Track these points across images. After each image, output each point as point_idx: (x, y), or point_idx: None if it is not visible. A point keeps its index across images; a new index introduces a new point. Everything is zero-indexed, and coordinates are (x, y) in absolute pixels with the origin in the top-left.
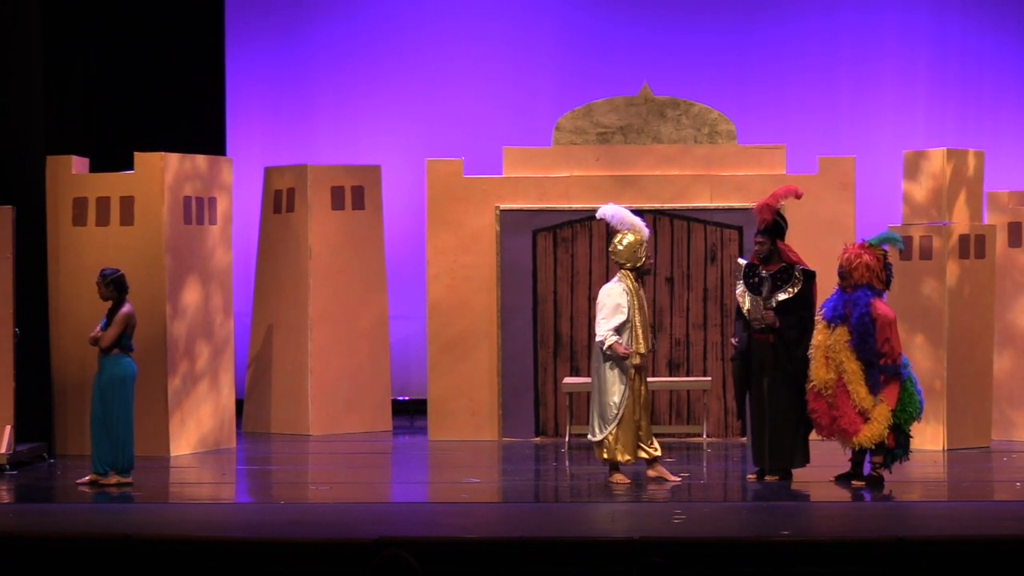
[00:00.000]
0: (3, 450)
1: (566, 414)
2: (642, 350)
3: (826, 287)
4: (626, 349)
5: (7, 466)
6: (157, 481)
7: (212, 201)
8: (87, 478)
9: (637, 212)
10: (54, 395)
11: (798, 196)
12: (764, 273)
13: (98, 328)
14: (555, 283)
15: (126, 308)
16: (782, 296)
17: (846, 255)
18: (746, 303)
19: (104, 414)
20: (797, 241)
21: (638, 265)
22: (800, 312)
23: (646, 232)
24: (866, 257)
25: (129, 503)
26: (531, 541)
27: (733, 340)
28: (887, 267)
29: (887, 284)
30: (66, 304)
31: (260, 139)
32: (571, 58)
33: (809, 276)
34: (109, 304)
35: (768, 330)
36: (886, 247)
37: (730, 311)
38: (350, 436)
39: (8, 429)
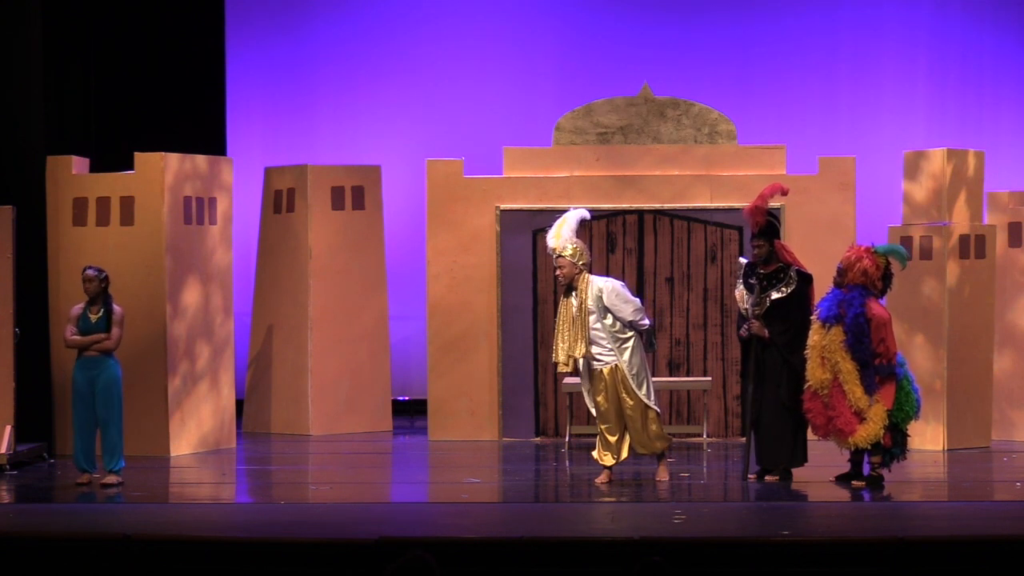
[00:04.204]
0: (3, 450)
1: (566, 414)
2: (555, 358)
3: (825, 289)
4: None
5: (7, 466)
6: (157, 481)
7: (212, 201)
8: (84, 478)
9: (637, 212)
10: (54, 395)
11: (784, 193)
12: (761, 272)
13: (71, 329)
14: (555, 283)
15: (119, 308)
16: (775, 295)
17: (848, 254)
18: (745, 303)
19: (108, 414)
20: (797, 241)
21: None
22: (793, 314)
23: (547, 240)
24: (866, 262)
25: (129, 503)
26: (531, 541)
27: (742, 332)
28: (885, 277)
29: (883, 292)
30: (66, 304)
31: (260, 139)
32: (571, 58)
33: (805, 279)
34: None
35: (759, 338)
36: (891, 259)
37: (730, 311)
38: (350, 436)
39: (8, 429)
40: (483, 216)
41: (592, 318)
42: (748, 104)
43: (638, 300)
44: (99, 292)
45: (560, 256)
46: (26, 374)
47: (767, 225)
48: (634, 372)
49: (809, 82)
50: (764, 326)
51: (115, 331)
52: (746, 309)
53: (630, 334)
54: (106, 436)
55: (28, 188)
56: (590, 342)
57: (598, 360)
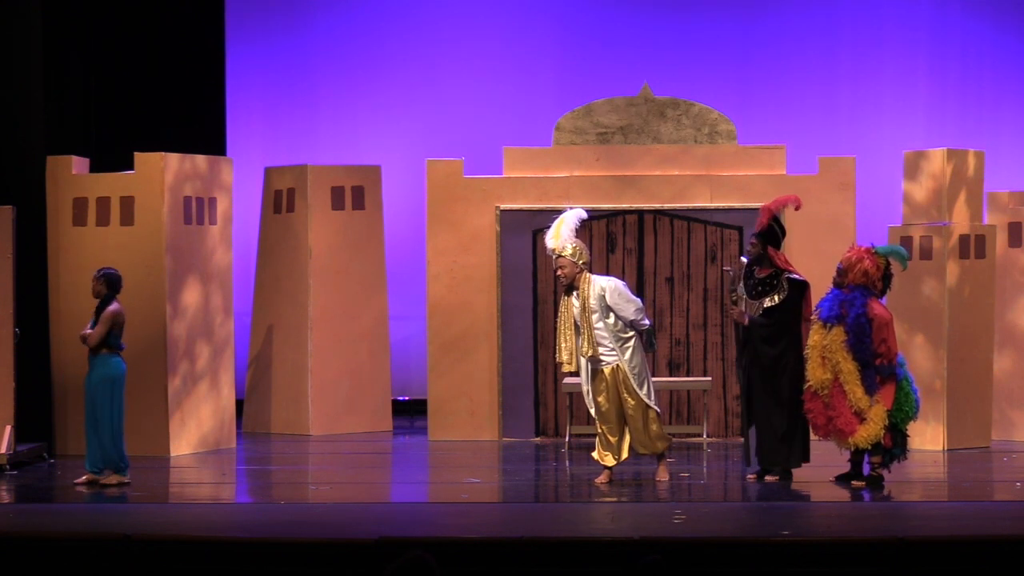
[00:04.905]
0: (3, 450)
1: (566, 414)
2: (559, 358)
3: (824, 290)
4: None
5: (7, 466)
6: (157, 481)
7: (212, 201)
8: (83, 478)
9: (637, 212)
10: (54, 395)
11: (797, 207)
12: (756, 276)
13: (88, 326)
14: (555, 283)
15: (113, 307)
16: (767, 303)
17: (849, 254)
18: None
19: (94, 413)
20: (798, 241)
21: None
22: (782, 316)
23: (546, 241)
24: (867, 263)
25: (129, 503)
26: (531, 541)
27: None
28: (886, 278)
29: (882, 293)
30: (66, 304)
31: (260, 139)
32: (571, 58)
33: (796, 286)
34: (98, 302)
35: (738, 326)
36: (892, 260)
37: (730, 311)
38: (350, 436)
39: (8, 429)
40: (483, 216)
41: (594, 317)
42: (748, 104)
43: (639, 299)
44: (100, 292)
45: (560, 256)
46: (26, 374)
47: (767, 228)
48: (635, 372)
49: (809, 82)
50: (744, 313)
51: (97, 328)
52: (732, 291)
53: (631, 334)
54: (98, 435)
55: (28, 188)
56: (596, 343)
57: (600, 360)
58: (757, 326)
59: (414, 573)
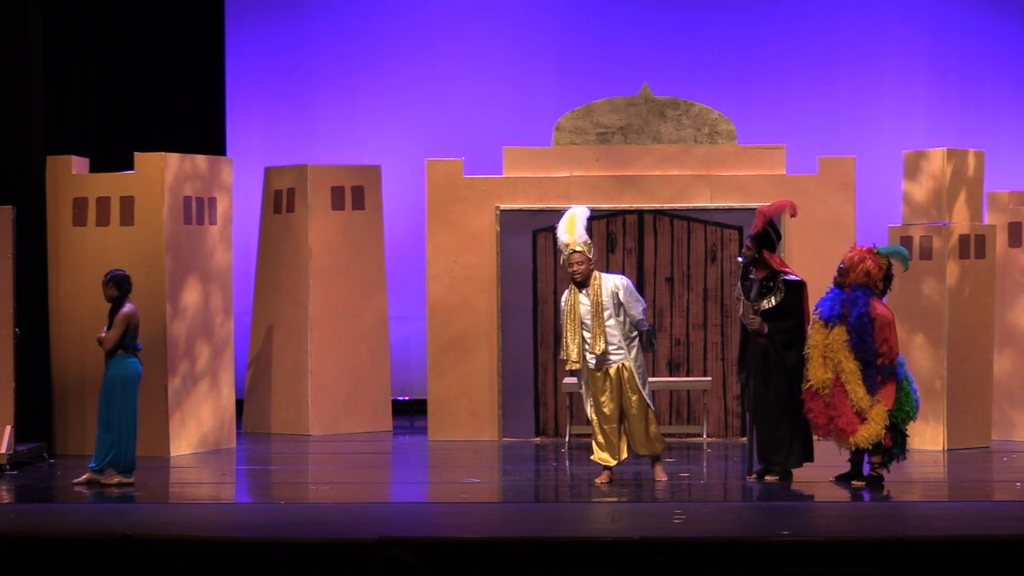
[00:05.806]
0: (3, 450)
1: (566, 414)
2: (565, 356)
3: (823, 291)
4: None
5: (7, 466)
6: (157, 481)
7: (212, 201)
8: (83, 477)
9: (637, 212)
10: (54, 395)
11: (793, 214)
12: (753, 277)
13: (104, 329)
14: (555, 283)
15: (126, 309)
16: (765, 305)
17: (851, 254)
18: (739, 305)
19: (107, 413)
20: (797, 241)
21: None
22: (788, 318)
23: (559, 235)
24: (869, 263)
25: (129, 503)
26: (531, 541)
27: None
28: (887, 278)
29: (883, 293)
30: (66, 304)
31: (260, 139)
32: (571, 58)
33: (792, 286)
34: (111, 305)
35: (757, 334)
36: (893, 261)
37: (730, 311)
38: (350, 436)
39: (8, 429)
40: (483, 216)
41: (606, 314)
42: (748, 104)
43: (644, 299)
44: (112, 295)
45: (575, 252)
46: (26, 374)
47: (762, 232)
48: (640, 371)
49: (809, 82)
50: (763, 323)
51: (111, 332)
52: (738, 298)
53: (635, 333)
54: (108, 434)
55: (28, 188)
56: (607, 341)
57: (608, 358)
58: (777, 332)
59: (394, 573)
